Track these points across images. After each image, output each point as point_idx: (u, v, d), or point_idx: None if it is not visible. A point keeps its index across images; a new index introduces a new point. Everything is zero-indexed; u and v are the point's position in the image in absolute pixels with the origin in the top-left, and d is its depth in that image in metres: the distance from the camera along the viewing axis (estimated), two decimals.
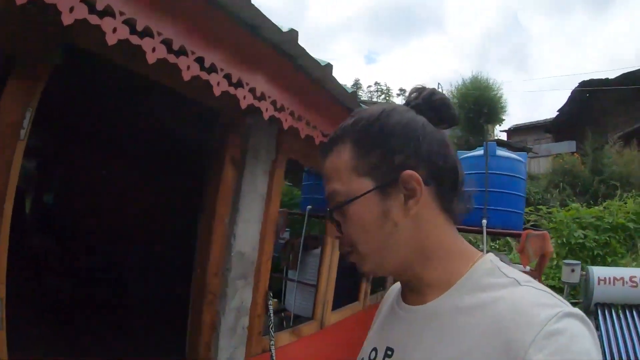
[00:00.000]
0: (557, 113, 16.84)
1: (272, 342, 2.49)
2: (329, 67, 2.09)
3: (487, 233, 4.03)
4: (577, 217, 7.13)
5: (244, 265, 2.24)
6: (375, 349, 0.73)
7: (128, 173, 5.28)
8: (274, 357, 2.49)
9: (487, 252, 0.72)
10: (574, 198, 9.76)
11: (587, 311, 4.03)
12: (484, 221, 4.03)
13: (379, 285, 4.42)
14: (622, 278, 4.08)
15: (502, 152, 4.97)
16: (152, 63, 1.29)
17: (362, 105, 2.53)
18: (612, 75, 15.38)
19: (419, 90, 0.72)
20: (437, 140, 0.67)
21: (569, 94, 15.49)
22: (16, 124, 1.39)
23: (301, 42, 1.87)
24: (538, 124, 19.41)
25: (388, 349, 0.69)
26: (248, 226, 2.23)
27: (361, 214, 0.65)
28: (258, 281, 2.36)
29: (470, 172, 4.30)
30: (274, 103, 1.94)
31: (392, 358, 0.68)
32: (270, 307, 2.47)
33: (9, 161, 1.40)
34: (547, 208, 8.20)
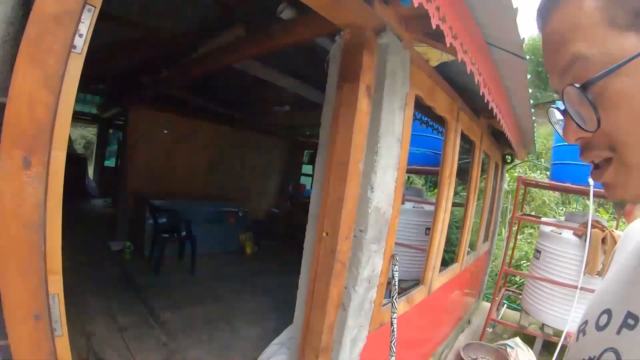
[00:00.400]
0: None
1: (394, 314, 2.09)
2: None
3: (595, 195, 3.57)
4: None
5: (380, 225, 1.78)
6: (608, 312, 0.50)
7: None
8: (395, 329, 2.10)
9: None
10: None
11: None
12: (591, 180, 3.64)
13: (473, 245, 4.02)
14: None
15: None
16: None
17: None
18: None
19: None
20: None
21: None
22: (66, 17, 0.82)
23: None
24: None
25: (631, 316, 0.45)
26: (386, 175, 1.74)
27: (633, 91, 0.39)
28: (387, 244, 1.92)
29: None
30: (438, 9, 1.41)
31: (635, 330, 0.44)
32: (396, 274, 2.04)
33: (53, 81, 0.81)
34: None
